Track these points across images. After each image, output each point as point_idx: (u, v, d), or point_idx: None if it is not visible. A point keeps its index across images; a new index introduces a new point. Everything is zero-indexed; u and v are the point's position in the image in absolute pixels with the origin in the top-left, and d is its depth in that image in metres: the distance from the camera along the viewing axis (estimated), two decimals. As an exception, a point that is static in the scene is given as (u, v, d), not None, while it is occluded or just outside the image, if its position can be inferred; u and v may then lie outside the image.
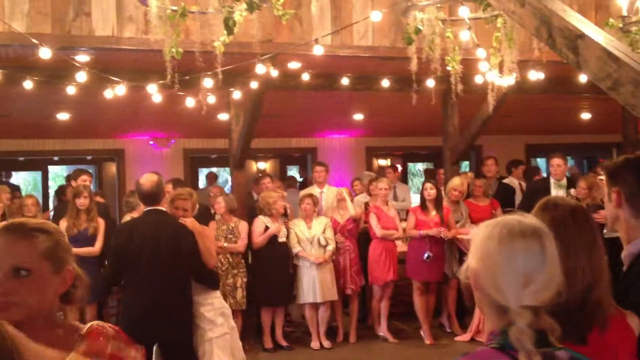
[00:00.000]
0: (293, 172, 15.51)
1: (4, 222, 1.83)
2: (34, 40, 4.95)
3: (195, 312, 4.97)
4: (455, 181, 7.85)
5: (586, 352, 1.93)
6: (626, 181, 2.31)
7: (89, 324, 1.83)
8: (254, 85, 6.64)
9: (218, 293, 5.27)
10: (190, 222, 4.97)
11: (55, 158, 13.77)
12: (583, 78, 7.83)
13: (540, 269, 1.53)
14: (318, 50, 5.24)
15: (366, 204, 8.25)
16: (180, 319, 4.77)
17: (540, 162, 14.49)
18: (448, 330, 7.95)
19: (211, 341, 4.93)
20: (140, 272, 4.83)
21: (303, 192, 8.33)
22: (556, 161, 7.47)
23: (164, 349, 3.92)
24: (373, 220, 7.72)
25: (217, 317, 5.02)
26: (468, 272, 1.61)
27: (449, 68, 5.44)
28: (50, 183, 15.06)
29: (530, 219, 1.60)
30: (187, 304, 4.88)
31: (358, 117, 10.85)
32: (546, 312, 1.54)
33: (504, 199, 8.45)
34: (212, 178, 13.19)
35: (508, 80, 5.56)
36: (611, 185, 2.35)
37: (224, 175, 17.92)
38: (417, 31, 4.81)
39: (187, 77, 5.39)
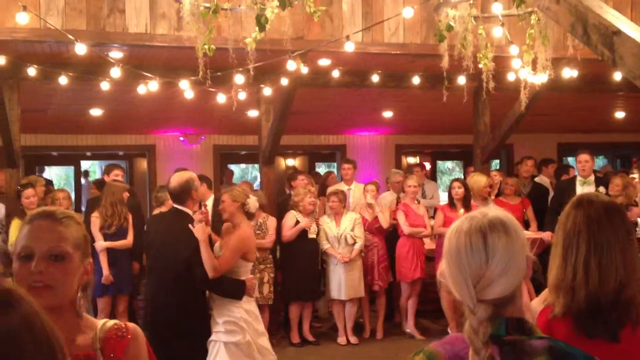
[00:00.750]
0: (322, 169, 15.53)
1: (39, 209, 1.88)
2: (70, 37, 5.03)
3: (213, 314, 4.86)
4: (481, 180, 7.79)
5: (618, 350, 1.91)
6: None
7: (106, 326, 1.83)
8: (284, 82, 6.66)
9: (243, 302, 4.82)
10: (198, 229, 4.63)
11: (88, 153, 13.98)
12: (617, 76, 7.72)
13: (484, 266, 1.52)
14: (349, 47, 5.24)
15: (398, 199, 8.25)
16: (181, 319, 4.66)
17: (572, 161, 14.28)
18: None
19: (218, 344, 4.72)
20: (150, 268, 4.95)
21: (330, 189, 8.34)
22: (583, 157, 7.36)
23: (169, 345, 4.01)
24: (401, 217, 7.70)
25: (230, 324, 4.73)
26: (440, 271, 1.66)
27: (480, 65, 5.40)
28: (82, 180, 15.32)
29: (484, 215, 1.58)
30: (187, 304, 4.72)
31: (388, 114, 10.81)
32: (512, 301, 1.53)
33: (538, 198, 8.36)
34: (229, 175, 13.15)
35: (541, 78, 5.49)
36: None
37: (253, 172, 18.03)
38: (449, 28, 4.78)
39: (219, 74, 5.42)
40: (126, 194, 7.12)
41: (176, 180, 4.85)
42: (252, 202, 4.93)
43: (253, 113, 8.63)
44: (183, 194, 4.79)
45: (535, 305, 2.10)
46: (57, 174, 16.78)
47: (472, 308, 1.52)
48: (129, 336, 1.83)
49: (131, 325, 1.88)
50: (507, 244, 1.53)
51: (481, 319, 1.50)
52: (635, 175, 7.76)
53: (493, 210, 1.61)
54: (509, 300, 1.53)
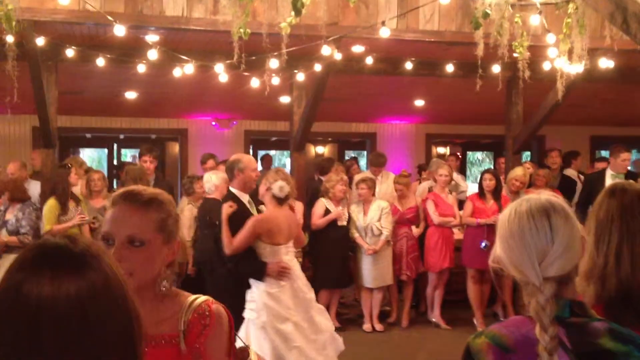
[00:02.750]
0: (351, 156, 15.53)
1: (121, 190, 1.86)
2: (110, 18, 5.12)
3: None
4: (518, 171, 7.74)
5: None
6: None
7: (193, 305, 1.79)
8: (317, 67, 6.68)
9: (267, 285, 4.92)
10: (224, 207, 5.08)
11: (121, 136, 14.17)
12: (655, 68, 7.59)
13: (549, 244, 1.57)
14: (384, 33, 5.24)
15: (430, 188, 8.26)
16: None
17: (605, 154, 14.07)
18: (502, 319, 7.88)
19: (246, 321, 4.91)
20: None
21: (358, 177, 8.35)
22: (625, 155, 7.26)
23: None
24: (430, 207, 7.69)
25: (250, 303, 4.92)
26: (494, 257, 1.67)
27: (516, 54, 5.36)
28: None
29: (543, 198, 1.64)
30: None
31: (419, 103, 10.77)
32: (571, 282, 1.59)
33: (566, 191, 8.28)
34: (268, 161, 13.32)
35: (577, 68, 5.44)
36: None
37: (282, 159, 18.11)
38: (486, 15, 4.77)
39: (253, 58, 5.46)
40: (150, 176, 7.22)
41: (228, 160, 5.46)
42: (276, 187, 4.99)
43: (285, 99, 8.67)
44: (228, 172, 5.30)
45: None
46: (89, 156, 17.04)
47: (538, 286, 1.56)
48: (212, 322, 1.77)
49: (215, 308, 1.80)
50: (566, 223, 1.60)
51: (547, 296, 1.54)
52: None
53: (546, 194, 1.68)
54: (568, 280, 1.59)
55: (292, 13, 4.55)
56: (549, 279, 1.55)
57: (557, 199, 1.66)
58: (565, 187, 8.51)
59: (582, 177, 9.00)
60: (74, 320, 1.04)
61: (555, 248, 1.57)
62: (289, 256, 5.09)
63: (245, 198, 5.24)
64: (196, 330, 1.75)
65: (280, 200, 5.05)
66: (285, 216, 5.11)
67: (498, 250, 1.66)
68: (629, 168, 7.90)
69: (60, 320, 1.03)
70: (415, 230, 7.86)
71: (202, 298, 1.82)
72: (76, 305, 1.05)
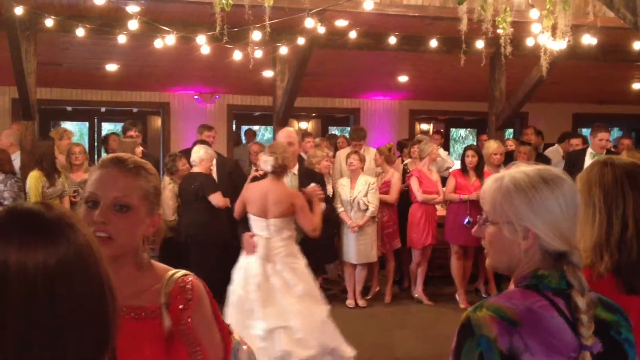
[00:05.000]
0: (335, 132, 15.51)
1: (112, 154, 1.83)
2: (89, -13, 5.03)
3: None
4: (492, 145, 7.76)
5: None
6: None
7: (174, 277, 1.76)
8: (300, 41, 6.63)
9: (243, 256, 4.96)
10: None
11: (102, 109, 14.02)
12: (637, 45, 7.63)
13: (577, 208, 1.60)
14: (367, 6, 5.20)
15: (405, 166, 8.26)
16: None
17: (587, 132, 14.20)
18: (484, 295, 7.96)
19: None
20: None
21: (344, 151, 8.33)
22: (604, 135, 7.29)
23: None
24: (414, 184, 7.69)
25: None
26: (518, 231, 1.57)
27: (499, 31, 5.36)
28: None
29: (544, 166, 1.65)
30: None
31: (403, 78, 10.75)
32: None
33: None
34: (251, 135, 13.29)
35: (560, 45, 5.44)
36: None
37: (265, 134, 18.04)
38: (470, -10, 4.74)
39: (235, 29, 5.41)
40: (138, 149, 7.17)
41: None
42: (262, 160, 4.98)
43: (268, 74, 8.61)
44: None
45: None
46: (70, 130, 16.84)
47: (572, 252, 1.56)
48: (195, 296, 1.74)
49: (195, 282, 1.77)
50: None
51: (579, 264, 1.56)
52: None
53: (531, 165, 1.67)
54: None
55: (275, -16, 4.50)
56: (576, 245, 1.58)
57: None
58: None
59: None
60: (41, 290, 1.00)
61: (578, 214, 1.61)
62: (265, 232, 4.86)
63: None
64: (179, 304, 1.72)
65: (268, 173, 4.93)
66: (261, 188, 4.94)
67: (526, 220, 1.56)
68: (612, 148, 7.97)
69: (26, 289, 1.00)
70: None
71: (181, 272, 1.79)
72: (44, 275, 1.01)
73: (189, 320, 1.71)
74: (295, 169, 5.23)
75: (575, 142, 8.54)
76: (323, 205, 4.99)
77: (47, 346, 1.01)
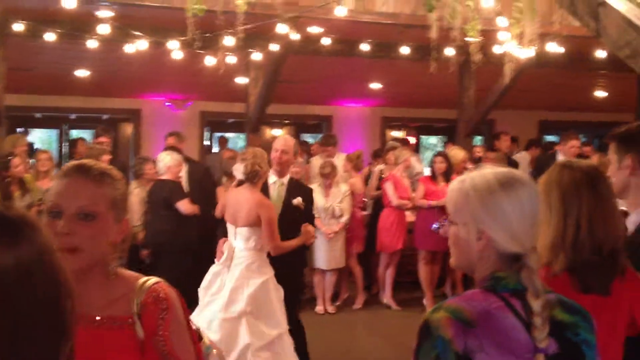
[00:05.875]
0: (308, 140, 15.56)
1: (76, 162, 1.77)
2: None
3: None
4: (460, 155, 7.92)
5: (609, 303, 2.01)
6: None
7: (145, 286, 1.72)
8: (274, 48, 6.67)
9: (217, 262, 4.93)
10: None
11: (73, 116, 13.86)
12: (601, 54, 7.82)
13: (538, 209, 1.63)
14: (340, 12, 5.26)
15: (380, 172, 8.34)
16: None
17: (551, 139, 14.45)
18: (452, 299, 8.06)
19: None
20: None
21: (316, 158, 8.37)
22: (574, 142, 7.43)
23: None
24: (390, 189, 7.76)
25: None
26: (470, 232, 1.62)
27: (468, 39, 5.46)
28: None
29: (500, 168, 1.67)
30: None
31: (375, 86, 10.85)
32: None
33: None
34: (223, 142, 13.23)
35: (527, 53, 5.57)
36: (624, 152, 2.36)
37: (238, 142, 17.98)
38: (439, -2, 4.83)
39: (208, 35, 5.42)
40: (106, 157, 7.10)
41: None
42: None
43: (241, 80, 8.63)
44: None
45: None
46: (39, 137, 16.61)
47: (528, 253, 1.58)
48: (170, 306, 1.70)
49: (168, 290, 1.73)
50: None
51: (535, 265, 1.57)
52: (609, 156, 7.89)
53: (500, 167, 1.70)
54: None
55: (249, -10, 4.53)
56: (534, 248, 1.59)
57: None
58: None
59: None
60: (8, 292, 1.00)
61: (538, 216, 1.62)
62: (233, 240, 4.81)
63: (272, 179, 5.07)
64: (153, 315, 1.68)
65: (243, 180, 4.90)
66: (236, 195, 4.90)
67: (480, 222, 1.60)
68: (583, 154, 8.14)
69: None
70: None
71: (153, 279, 1.74)
72: (3, 273, 0.99)
73: (167, 333, 1.67)
74: (286, 179, 5.09)
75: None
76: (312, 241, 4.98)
77: (1, 343, 1.00)
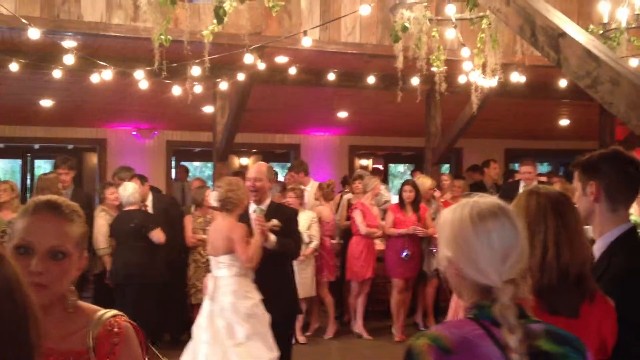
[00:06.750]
0: (276, 169, 15.52)
1: (43, 198, 1.75)
2: (24, 20, 4.95)
3: None
4: (428, 183, 8.00)
5: (577, 325, 2.03)
6: (605, 174, 2.37)
7: (101, 320, 1.74)
8: (240, 77, 6.68)
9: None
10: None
11: (36, 146, 13.64)
12: (562, 83, 8.01)
13: (514, 243, 1.61)
14: (306, 42, 5.30)
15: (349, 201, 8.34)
16: None
17: (518, 166, 14.69)
18: (422, 328, 8.04)
19: None
20: None
21: (288, 186, 8.35)
22: (526, 169, 7.55)
23: None
24: (358, 217, 7.77)
25: None
26: (444, 260, 1.66)
27: (433, 68, 5.54)
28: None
29: (491, 199, 1.68)
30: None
31: (342, 114, 10.93)
32: (520, 285, 1.61)
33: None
34: (182, 172, 12.97)
35: (490, 82, 5.66)
36: (587, 180, 2.41)
37: (206, 171, 17.88)
38: (405, 29, 4.90)
39: (175, 65, 5.41)
40: (61, 185, 6.98)
41: None
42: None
43: (208, 109, 8.61)
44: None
45: None
46: (2, 168, 16.30)
47: (500, 287, 1.57)
48: (121, 340, 1.72)
49: (123, 324, 1.76)
50: (522, 225, 1.65)
51: (510, 296, 1.56)
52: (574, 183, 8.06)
53: (488, 197, 1.70)
54: (520, 281, 1.62)
55: (215, 21, 4.53)
56: (511, 280, 1.58)
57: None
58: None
59: (497, 189, 9.35)
60: None
61: (520, 249, 1.61)
62: (216, 270, 4.85)
63: (252, 208, 5.04)
64: (105, 348, 1.70)
65: (219, 208, 4.94)
66: (214, 226, 4.99)
67: (451, 252, 1.64)
68: (544, 179, 8.28)
69: None
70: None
71: (110, 313, 1.76)
72: None
73: None
74: (265, 205, 5.06)
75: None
76: (273, 238, 4.89)
77: None
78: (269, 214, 4.98)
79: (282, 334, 4.84)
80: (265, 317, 4.73)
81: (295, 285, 5.31)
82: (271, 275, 4.87)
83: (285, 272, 5.04)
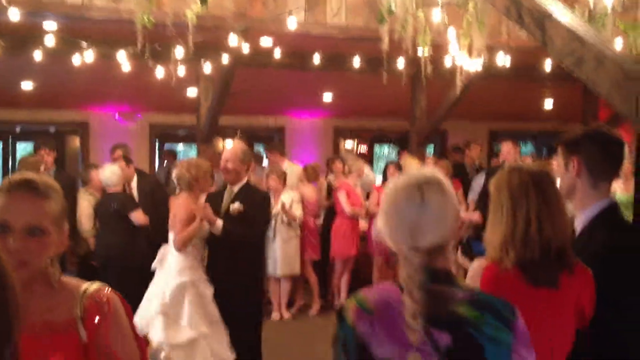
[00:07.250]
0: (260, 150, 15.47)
1: (18, 177, 1.76)
2: (4, 2, 4.87)
3: None
4: (413, 162, 8.04)
5: (558, 296, 2.09)
6: (588, 150, 2.42)
7: (88, 291, 1.77)
8: (225, 59, 6.62)
9: None
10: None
11: (17, 129, 13.47)
12: (547, 66, 8.04)
13: (420, 214, 1.68)
14: (291, 23, 5.26)
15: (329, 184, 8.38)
16: None
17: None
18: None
19: None
20: None
21: (268, 168, 8.37)
22: (506, 148, 7.56)
23: None
24: (342, 197, 7.83)
25: None
26: (376, 230, 1.79)
27: (420, 51, 5.53)
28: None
29: (420, 172, 1.75)
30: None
31: (327, 97, 10.89)
32: (442, 252, 1.69)
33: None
34: (169, 156, 12.86)
35: (476, 64, 5.67)
36: (570, 155, 2.46)
37: (191, 152, 17.76)
38: (391, 12, 4.88)
39: (157, 45, 5.35)
40: (42, 167, 6.92)
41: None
42: None
43: (192, 91, 8.54)
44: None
45: (477, 265, 2.21)
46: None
47: (406, 255, 1.66)
48: (111, 310, 1.76)
49: (111, 295, 1.79)
50: (441, 197, 1.70)
51: (415, 265, 1.65)
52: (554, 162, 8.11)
53: (429, 170, 1.78)
54: (439, 251, 1.69)
55: (199, 2, 4.49)
56: (419, 248, 1.66)
57: (438, 174, 1.75)
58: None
59: (478, 170, 9.40)
60: None
61: (427, 219, 1.67)
62: (170, 246, 5.03)
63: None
64: (94, 318, 1.73)
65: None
66: (172, 204, 5.19)
67: (379, 222, 1.77)
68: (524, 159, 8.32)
69: None
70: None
71: (96, 285, 1.80)
72: None
73: (106, 334, 1.73)
74: (237, 187, 4.99)
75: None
76: (219, 224, 4.83)
77: None
78: (239, 197, 4.95)
79: (245, 320, 4.88)
80: (198, 298, 4.83)
81: (260, 271, 5.41)
82: (230, 260, 4.88)
83: (245, 258, 4.93)
